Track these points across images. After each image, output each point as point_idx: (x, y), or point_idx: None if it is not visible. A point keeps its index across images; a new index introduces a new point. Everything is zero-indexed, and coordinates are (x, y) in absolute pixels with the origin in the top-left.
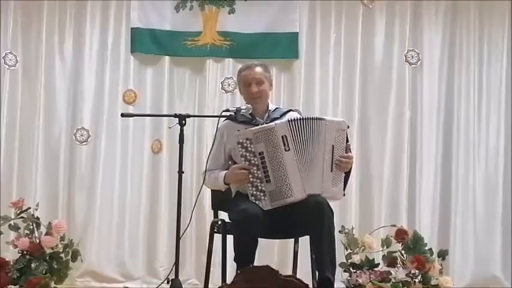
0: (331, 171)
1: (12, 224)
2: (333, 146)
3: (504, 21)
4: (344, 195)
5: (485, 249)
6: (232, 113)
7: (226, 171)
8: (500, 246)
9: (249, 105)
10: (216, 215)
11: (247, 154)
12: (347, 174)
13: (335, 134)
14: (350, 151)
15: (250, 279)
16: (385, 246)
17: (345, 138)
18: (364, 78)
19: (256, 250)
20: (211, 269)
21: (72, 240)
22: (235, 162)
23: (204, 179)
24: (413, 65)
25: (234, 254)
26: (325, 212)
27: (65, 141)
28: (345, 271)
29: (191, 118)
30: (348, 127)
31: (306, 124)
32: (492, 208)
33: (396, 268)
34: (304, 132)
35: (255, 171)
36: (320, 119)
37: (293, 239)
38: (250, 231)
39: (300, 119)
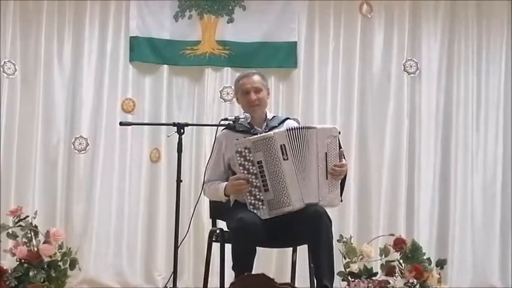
0: (327, 178)
1: (11, 232)
2: (326, 153)
3: (502, 30)
4: (341, 201)
5: (484, 258)
6: (231, 122)
7: (226, 182)
8: (499, 255)
9: (247, 114)
10: (214, 224)
11: (246, 163)
12: (343, 180)
13: (327, 141)
14: (344, 157)
15: (246, 287)
16: (383, 255)
17: (338, 145)
18: (362, 87)
19: (255, 259)
20: (209, 278)
21: (70, 248)
22: (234, 172)
23: (204, 190)
24: (411, 75)
25: (232, 263)
26: (323, 221)
27: (63, 150)
28: (343, 280)
29: (190, 127)
30: (339, 133)
31: (300, 133)
32: (490, 217)
33: (394, 277)
34: (300, 141)
35: (254, 180)
36: (311, 127)
37: (291, 248)
38: (248, 240)
39: (295, 128)
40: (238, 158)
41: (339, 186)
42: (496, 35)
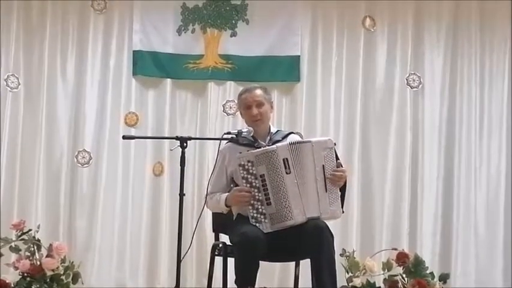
0: (326, 191)
1: (13, 245)
2: (323, 165)
3: (505, 45)
4: (343, 212)
5: (487, 272)
6: (234, 136)
7: (227, 193)
8: (502, 269)
9: (250, 128)
10: (217, 238)
11: (249, 176)
12: (343, 191)
13: (323, 153)
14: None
15: None
16: (386, 270)
17: (334, 157)
18: (365, 101)
19: (257, 273)
20: None
21: (73, 262)
22: (237, 185)
23: (206, 202)
24: (414, 89)
25: (234, 277)
26: (324, 236)
27: (66, 163)
28: None
29: (192, 141)
30: (335, 144)
31: (298, 147)
32: (493, 231)
33: None
34: (299, 155)
35: (256, 194)
36: (306, 141)
37: (294, 262)
38: (251, 254)
39: (296, 142)
40: (241, 171)
41: (339, 198)
42: (499, 50)
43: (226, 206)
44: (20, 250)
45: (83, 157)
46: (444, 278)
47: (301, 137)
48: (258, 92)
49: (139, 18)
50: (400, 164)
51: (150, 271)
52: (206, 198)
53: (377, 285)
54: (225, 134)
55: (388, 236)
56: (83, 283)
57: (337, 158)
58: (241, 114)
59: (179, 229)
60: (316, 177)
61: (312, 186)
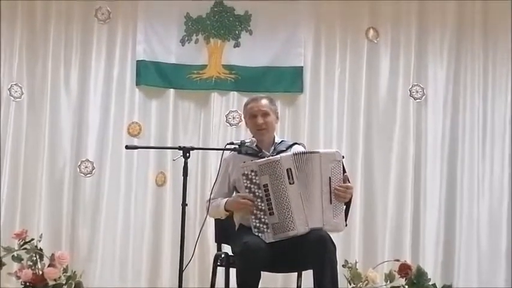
0: (331, 203)
1: (16, 255)
2: (329, 177)
3: (508, 57)
4: (346, 225)
5: (489, 283)
6: (237, 146)
7: (228, 198)
8: (504, 280)
9: (253, 139)
10: (219, 248)
11: (252, 186)
12: (348, 205)
13: (330, 165)
14: (348, 181)
15: None
16: (388, 281)
17: (341, 169)
18: (368, 113)
19: (259, 283)
20: None
21: (75, 271)
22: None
23: (207, 208)
24: (417, 100)
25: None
26: (327, 246)
27: (69, 173)
28: None
29: (195, 151)
30: (343, 157)
31: (305, 158)
32: (496, 243)
33: None
34: (305, 166)
35: (259, 203)
36: (314, 152)
37: (296, 273)
38: (253, 264)
39: (301, 152)
40: (245, 181)
41: (344, 211)
42: (502, 62)
43: (226, 210)
44: (22, 259)
45: (86, 167)
46: None
47: (304, 147)
48: (264, 102)
49: (143, 29)
50: (403, 175)
51: (152, 281)
52: (208, 203)
53: None
54: (228, 144)
55: (390, 247)
56: None
57: (344, 171)
58: (246, 123)
59: (181, 239)
60: (321, 188)
61: (316, 197)
